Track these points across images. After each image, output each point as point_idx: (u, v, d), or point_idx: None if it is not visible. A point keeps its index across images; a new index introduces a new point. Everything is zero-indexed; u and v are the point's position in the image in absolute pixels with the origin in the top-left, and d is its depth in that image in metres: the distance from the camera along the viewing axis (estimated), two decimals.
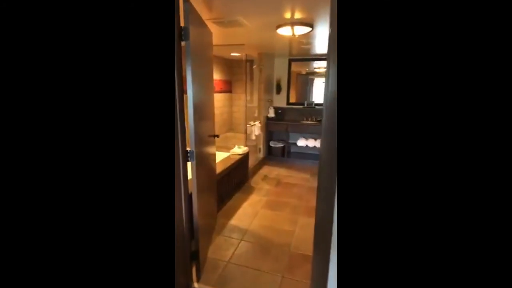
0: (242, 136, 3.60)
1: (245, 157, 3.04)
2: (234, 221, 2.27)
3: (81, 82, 0.54)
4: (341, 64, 0.57)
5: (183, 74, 1.27)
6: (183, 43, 1.26)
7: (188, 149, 1.36)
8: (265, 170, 3.71)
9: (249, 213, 2.41)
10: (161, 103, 0.61)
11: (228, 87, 4.54)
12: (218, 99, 4.19)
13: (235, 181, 2.79)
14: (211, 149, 1.95)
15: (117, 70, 0.56)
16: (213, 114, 2.04)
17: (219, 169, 2.41)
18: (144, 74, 0.58)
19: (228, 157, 2.83)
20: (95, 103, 0.55)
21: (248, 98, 4.44)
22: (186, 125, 1.33)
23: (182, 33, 1.24)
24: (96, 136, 0.56)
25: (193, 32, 1.32)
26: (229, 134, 4.68)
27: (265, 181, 3.27)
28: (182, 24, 1.25)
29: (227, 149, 3.16)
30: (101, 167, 0.57)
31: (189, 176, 1.38)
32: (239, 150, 2.97)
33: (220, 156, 2.92)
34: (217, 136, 2.05)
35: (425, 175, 0.50)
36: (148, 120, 0.59)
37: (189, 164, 1.37)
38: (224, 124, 4.56)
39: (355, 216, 0.55)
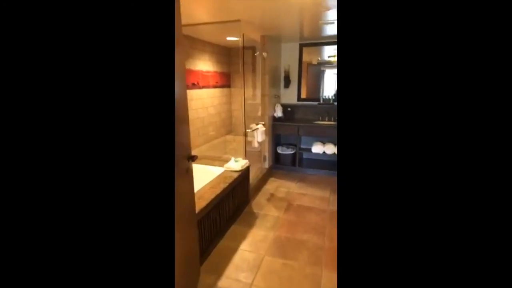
0: (244, 140, 2.85)
1: (244, 174, 2.28)
2: (225, 280, 1.52)
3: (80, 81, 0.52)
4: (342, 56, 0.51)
5: None
6: None
7: None
8: (272, 185, 2.95)
9: (249, 263, 1.66)
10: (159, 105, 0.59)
11: (227, 81, 3.77)
12: (214, 95, 3.43)
13: (230, 209, 2.04)
14: (183, 179, 1.20)
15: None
16: (187, 120, 1.28)
17: (204, 200, 1.66)
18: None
19: (221, 176, 2.08)
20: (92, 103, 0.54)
21: (250, 93, 3.67)
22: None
23: None
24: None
25: None
26: (229, 137, 3.93)
27: (271, 202, 2.52)
28: None
29: (222, 162, 2.41)
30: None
31: None
32: (237, 165, 2.21)
33: (210, 174, 2.17)
34: (193, 158, 1.29)
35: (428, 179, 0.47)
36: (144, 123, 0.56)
37: None
38: (223, 125, 3.81)
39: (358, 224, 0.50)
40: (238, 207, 2.23)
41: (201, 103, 3.17)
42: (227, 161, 2.33)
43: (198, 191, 1.77)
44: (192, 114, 3.00)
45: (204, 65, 3.14)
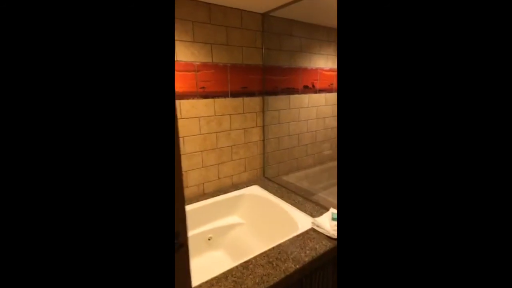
0: None
1: None
2: None
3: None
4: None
5: None
6: None
7: None
8: None
9: None
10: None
11: None
12: (324, 101, 2.53)
13: None
14: None
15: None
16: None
17: None
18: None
19: (300, 239, 1.27)
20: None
21: None
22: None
23: None
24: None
25: None
26: None
27: None
28: None
29: (319, 209, 1.56)
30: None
31: None
32: (332, 226, 1.30)
33: (287, 226, 1.39)
34: (181, 245, 0.62)
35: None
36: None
37: None
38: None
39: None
40: None
41: (316, 112, 2.39)
42: (324, 212, 1.46)
43: (246, 262, 1.09)
44: (299, 127, 2.30)
45: (326, 61, 2.32)
